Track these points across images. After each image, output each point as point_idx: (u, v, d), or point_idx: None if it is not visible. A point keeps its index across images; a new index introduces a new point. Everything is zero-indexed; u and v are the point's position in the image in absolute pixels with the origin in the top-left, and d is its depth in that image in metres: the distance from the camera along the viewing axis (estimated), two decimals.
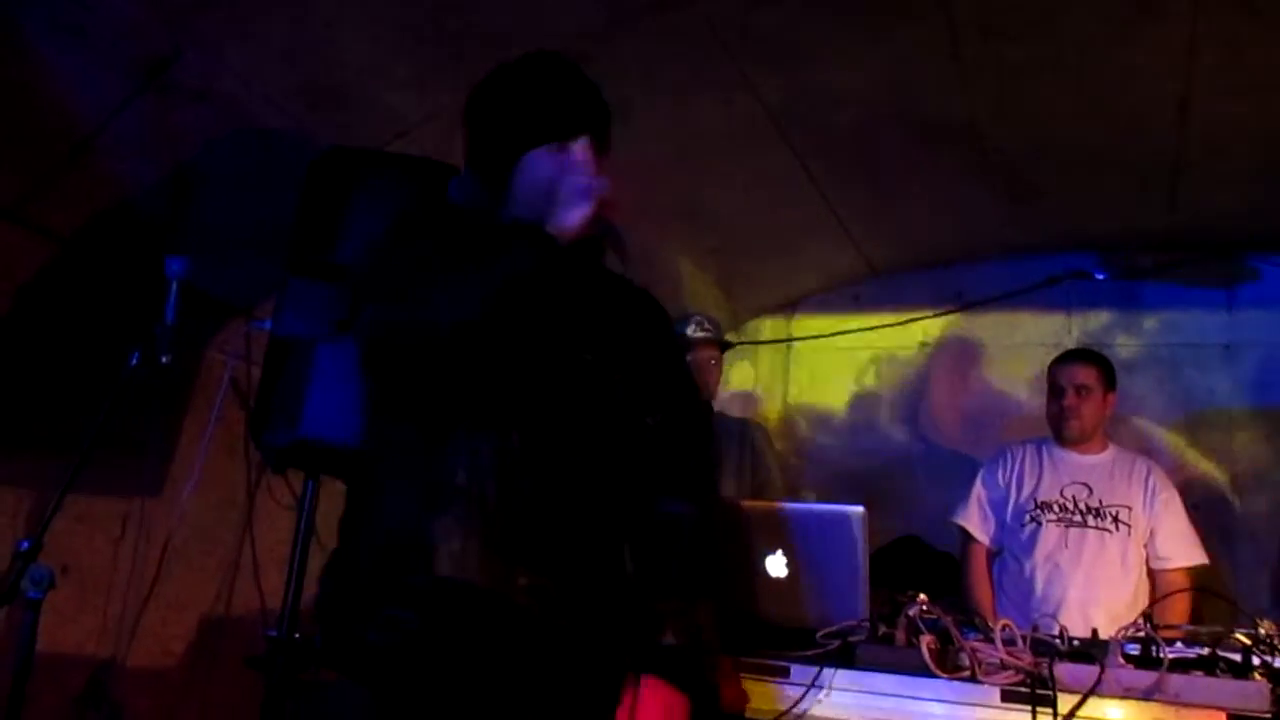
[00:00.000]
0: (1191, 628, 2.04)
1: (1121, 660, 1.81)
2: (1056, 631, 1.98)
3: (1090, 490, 3.34)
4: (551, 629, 1.59)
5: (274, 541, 3.12)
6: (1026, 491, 3.40)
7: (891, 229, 4.28)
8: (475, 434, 1.62)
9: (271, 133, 2.79)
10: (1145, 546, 3.30)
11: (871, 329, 4.67)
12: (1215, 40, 2.85)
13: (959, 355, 4.50)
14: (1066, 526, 3.31)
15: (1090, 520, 3.31)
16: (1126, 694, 1.73)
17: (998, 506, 3.46)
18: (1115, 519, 3.30)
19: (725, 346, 3.86)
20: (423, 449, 1.63)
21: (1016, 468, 3.46)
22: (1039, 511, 3.35)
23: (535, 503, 1.62)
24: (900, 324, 4.62)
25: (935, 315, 4.58)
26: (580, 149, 1.73)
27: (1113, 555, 3.28)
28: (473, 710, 1.59)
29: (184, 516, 3.08)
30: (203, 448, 3.09)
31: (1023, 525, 3.37)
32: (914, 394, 4.60)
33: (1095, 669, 1.74)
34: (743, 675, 1.94)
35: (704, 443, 1.88)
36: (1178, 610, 3.12)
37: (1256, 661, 1.79)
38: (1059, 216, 4.13)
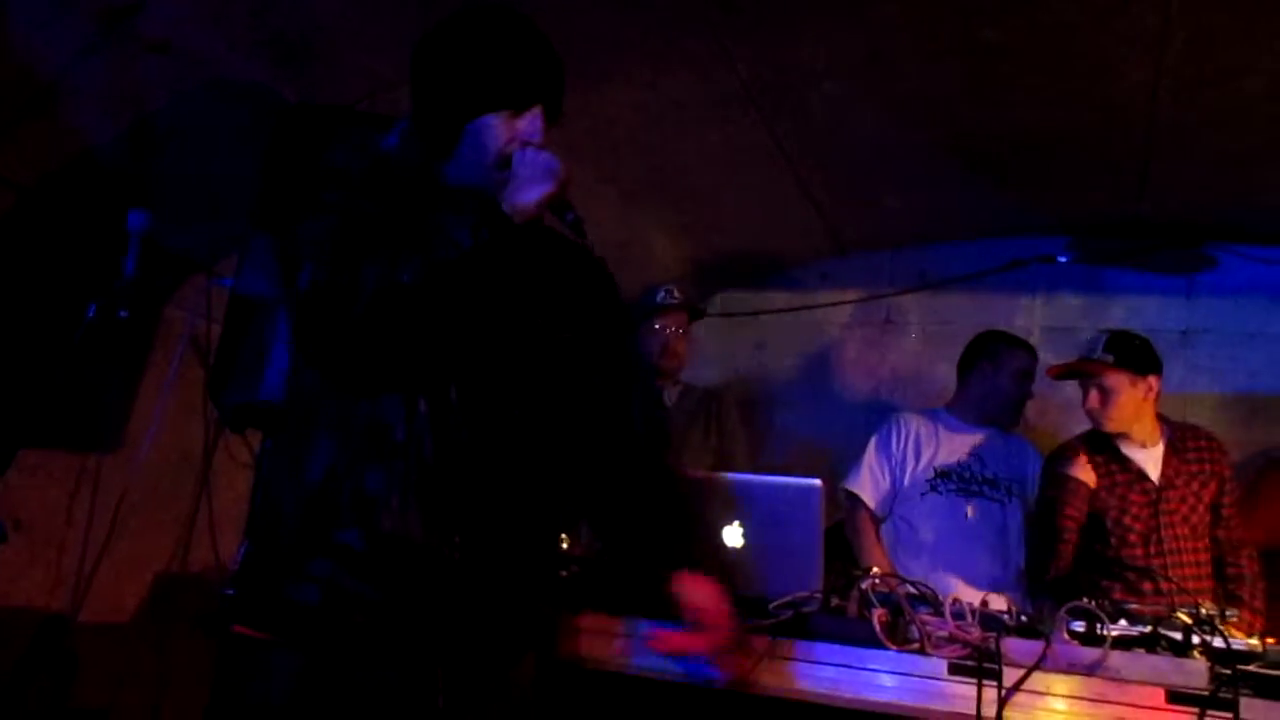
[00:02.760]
0: (1135, 606, 2.08)
1: (1066, 636, 1.84)
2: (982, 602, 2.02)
3: (984, 462, 3.42)
4: (484, 587, 1.61)
5: (231, 500, 3.10)
6: (925, 461, 3.45)
7: (861, 208, 4.29)
8: (412, 389, 1.60)
9: (237, 85, 2.75)
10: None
11: (837, 304, 4.70)
12: (1186, 30, 2.87)
13: (923, 334, 4.53)
14: (966, 497, 3.37)
15: (988, 490, 3.39)
16: (1070, 669, 1.76)
17: (894, 474, 3.50)
18: (1009, 491, 3.38)
19: (695, 315, 3.88)
20: (357, 404, 1.60)
21: (912, 437, 3.51)
22: (938, 480, 3.41)
23: (473, 458, 1.61)
24: (866, 301, 4.65)
25: (901, 293, 4.62)
26: (532, 119, 1.68)
27: (1008, 526, 3.38)
28: (405, 667, 1.58)
29: (140, 473, 3.05)
30: (160, 404, 3.06)
31: (922, 494, 3.42)
32: (876, 371, 4.63)
33: (1040, 644, 1.78)
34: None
35: (641, 398, 1.92)
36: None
37: (1196, 640, 1.83)
38: (1027, 200, 4.16)
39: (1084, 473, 3.17)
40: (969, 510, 3.36)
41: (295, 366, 1.72)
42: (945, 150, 3.73)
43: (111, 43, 2.54)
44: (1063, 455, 3.27)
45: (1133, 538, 3.14)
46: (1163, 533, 3.14)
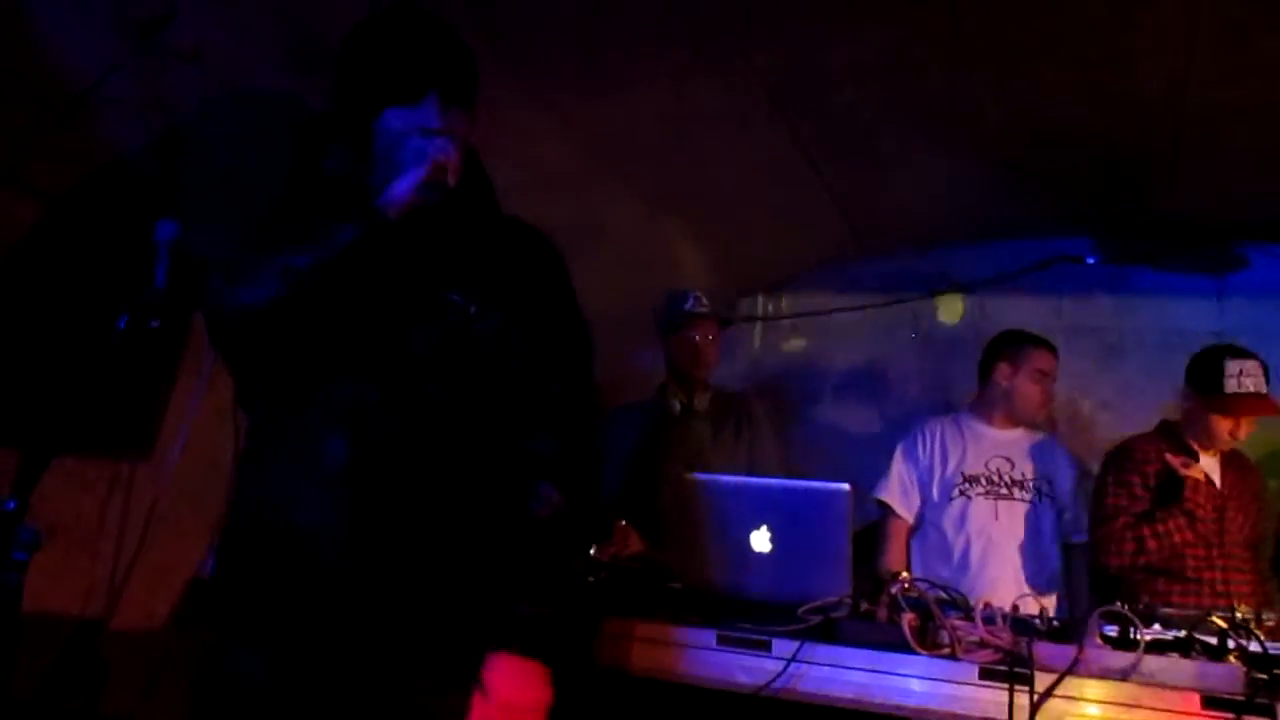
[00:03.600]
0: (1169, 610, 2.06)
1: (1099, 641, 1.83)
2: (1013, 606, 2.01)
3: (1012, 463, 3.39)
4: (404, 592, 1.61)
5: None
6: (952, 465, 3.44)
7: (886, 210, 4.28)
8: (327, 385, 1.64)
9: (265, 95, 2.77)
10: (1060, 519, 3.40)
11: (862, 308, 4.68)
12: (1215, 25, 2.84)
13: (949, 336, 4.51)
14: (996, 499, 3.36)
15: (1017, 493, 3.36)
16: (1103, 674, 1.75)
17: (921, 481, 3.49)
18: (1040, 492, 3.36)
19: (724, 323, 3.86)
20: (280, 407, 1.67)
21: (938, 442, 3.49)
22: (967, 484, 3.39)
23: (390, 447, 1.63)
24: (891, 304, 4.63)
25: (926, 296, 4.59)
26: (428, 106, 1.68)
27: (1039, 527, 3.36)
28: (332, 669, 1.60)
29: (171, 480, 3.08)
30: (190, 411, 3.09)
31: (950, 499, 3.40)
32: (903, 374, 4.61)
33: (1073, 649, 1.76)
34: (725, 647, 1.96)
35: (579, 377, 1.85)
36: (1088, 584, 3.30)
37: (1232, 645, 1.81)
38: (1054, 200, 4.14)
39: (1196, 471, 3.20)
40: (998, 512, 3.34)
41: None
42: (971, 152, 3.71)
43: (141, 53, 2.57)
44: (1158, 454, 3.25)
45: (1195, 540, 3.14)
46: (1225, 538, 3.17)
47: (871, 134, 3.59)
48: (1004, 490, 3.37)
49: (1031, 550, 3.34)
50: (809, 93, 3.31)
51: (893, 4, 2.86)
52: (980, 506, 3.36)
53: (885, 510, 3.51)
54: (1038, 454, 3.45)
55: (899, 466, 3.52)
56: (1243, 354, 3.23)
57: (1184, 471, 3.15)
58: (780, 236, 4.46)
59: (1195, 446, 3.25)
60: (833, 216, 4.25)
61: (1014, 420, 3.48)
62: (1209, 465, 3.24)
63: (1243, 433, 3.21)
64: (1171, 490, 3.15)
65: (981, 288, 4.48)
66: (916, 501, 3.49)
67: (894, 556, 3.43)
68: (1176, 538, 3.10)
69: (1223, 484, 3.22)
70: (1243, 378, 3.16)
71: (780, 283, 4.84)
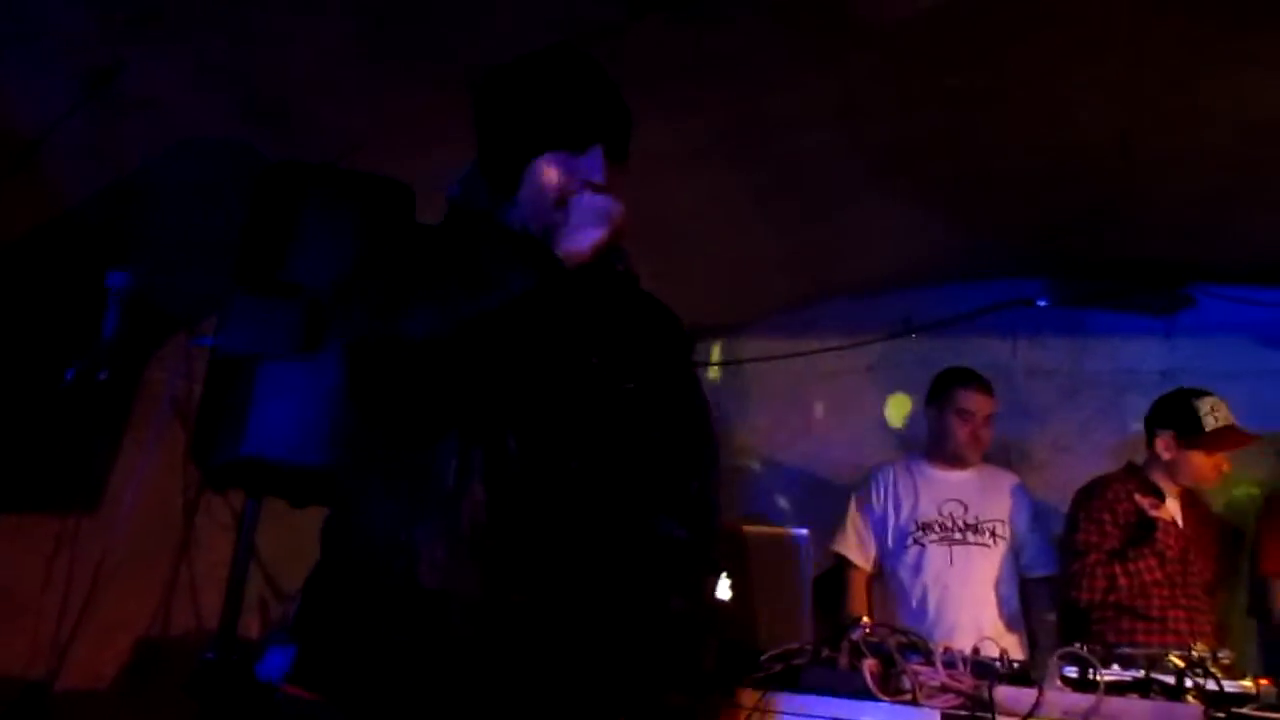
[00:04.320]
0: (1128, 650, 2.07)
1: (1059, 683, 1.83)
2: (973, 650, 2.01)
3: (965, 507, 3.41)
4: (537, 646, 1.50)
5: (213, 563, 3.05)
6: (905, 513, 3.46)
7: (841, 254, 4.32)
8: (467, 438, 1.53)
9: (217, 145, 2.76)
10: (1016, 557, 3.43)
11: (818, 352, 4.71)
12: (1156, 73, 2.92)
13: (905, 379, 4.54)
14: (950, 545, 3.37)
15: (970, 536, 3.38)
16: (1065, 716, 1.74)
17: (877, 530, 3.50)
18: (993, 533, 3.39)
19: None
20: (411, 454, 1.54)
21: (891, 489, 3.52)
22: (921, 533, 3.41)
23: (528, 510, 1.53)
24: (847, 348, 4.66)
25: (885, 339, 4.63)
26: (592, 158, 1.64)
27: (995, 570, 3.38)
28: None
29: (120, 536, 3.01)
30: (141, 465, 3.02)
31: (905, 548, 3.42)
32: (861, 417, 4.63)
33: (1034, 692, 1.76)
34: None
35: (708, 464, 1.77)
36: (1054, 617, 3.37)
37: (1190, 684, 1.82)
38: (1005, 244, 4.20)
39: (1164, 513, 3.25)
40: (953, 558, 3.35)
41: (349, 425, 1.68)
42: (921, 196, 3.76)
43: (93, 103, 2.55)
44: (1128, 494, 3.29)
45: (1163, 580, 3.18)
46: (1188, 578, 3.22)
47: (822, 179, 3.64)
48: (958, 535, 3.38)
49: (989, 594, 3.35)
50: (759, 138, 3.34)
51: (836, 49, 2.91)
52: (935, 554, 3.37)
53: (843, 562, 3.52)
54: (991, 494, 3.47)
55: (853, 516, 3.55)
56: (1204, 393, 3.31)
57: (1154, 513, 3.20)
58: (738, 280, 4.48)
59: (1162, 488, 3.31)
60: (787, 261, 4.29)
61: (958, 461, 3.50)
62: (1172, 507, 3.29)
63: (1225, 467, 3.28)
64: (1144, 531, 3.21)
65: (938, 330, 4.53)
66: (873, 550, 3.50)
67: (855, 606, 3.43)
68: (1146, 577, 3.15)
69: (1185, 525, 3.28)
70: (1215, 413, 3.26)
71: (739, 326, 4.86)
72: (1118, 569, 3.15)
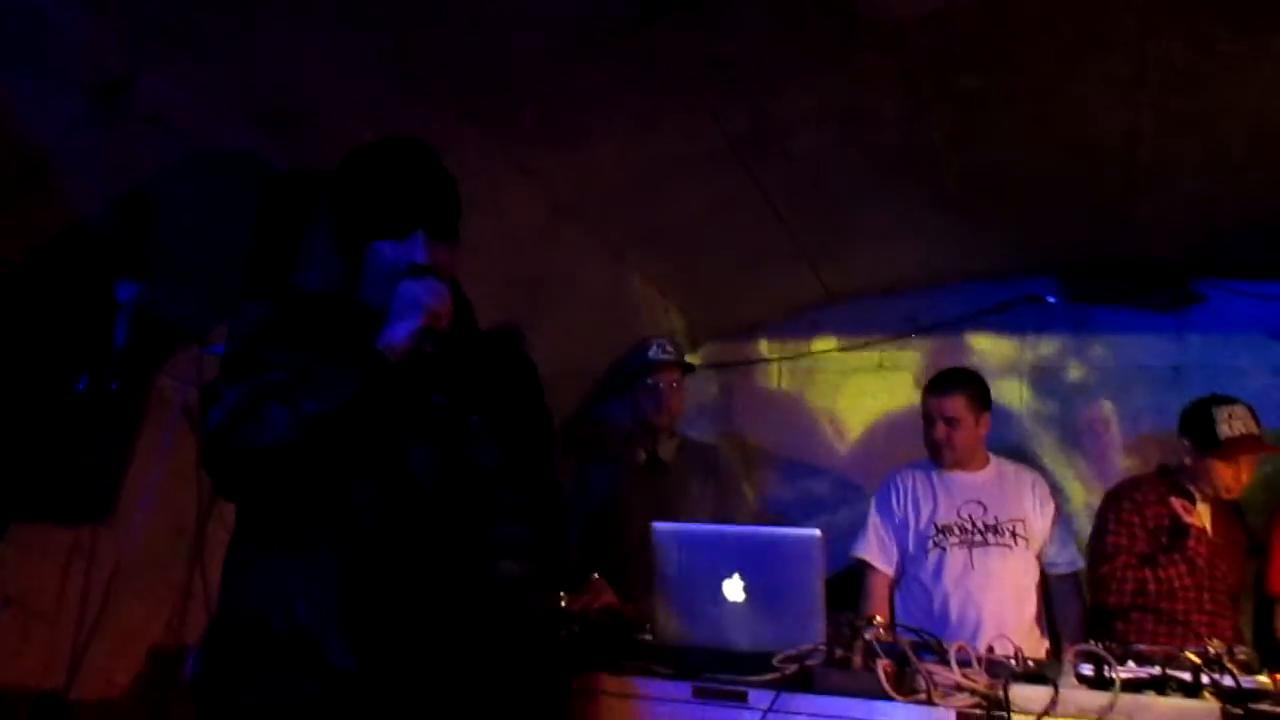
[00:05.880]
0: (1142, 647, 2.06)
1: (1075, 681, 1.82)
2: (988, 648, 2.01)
3: (984, 508, 3.40)
4: (410, 682, 1.73)
5: None
6: (925, 517, 3.44)
7: (849, 255, 4.32)
8: (328, 493, 1.75)
9: (227, 156, 2.77)
10: (1038, 555, 3.41)
11: (828, 352, 4.71)
12: (1162, 72, 2.91)
13: (915, 380, 4.54)
14: (969, 548, 3.35)
15: (991, 538, 3.36)
16: (1081, 714, 1.74)
17: (898, 534, 3.49)
18: (1013, 534, 3.36)
19: (687, 369, 3.87)
20: (279, 511, 1.78)
21: (910, 494, 3.49)
22: (941, 536, 3.39)
23: (389, 549, 1.75)
24: (857, 348, 4.66)
25: (891, 339, 4.63)
26: (413, 244, 1.83)
27: (1016, 570, 3.36)
28: None
29: (133, 545, 3.02)
30: (153, 475, 3.03)
31: (926, 552, 3.40)
32: (870, 418, 4.63)
33: (1049, 690, 1.76)
34: (701, 699, 1.94)
35: (546, 467, 2.06)
36: (1077, 612, 3.36)
37: (1206, 681, 1.81)
38: (1013, 243, 4.20)
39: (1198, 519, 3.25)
40: (973, 561, 3.33)
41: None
42: (929, 196, 3.77)
43: (103, 116, 2.56)
44: (1160, 498, 3.30)
45: (1191, 585, 3.19)
46: (1214, 584, 3.23)
47: (832, 180, 3.64)
48: (978, 538, 3.36)
49: (1010, 595, 3.34)
50: (768, 140, 3.35)
51: (845, 49, 2.91)
52: (955, 557, 3.35)
53: (865, 568, 3.51)
54: (1010, 493, 3.45)
55: (874, 521, 3.53)
56: (1228, 400, 3.29)
57: (1188, 519, 3.19)
58: (746, 282, 4.50)
59: (1194, 493, 3.31)
60: (798, 262, 4.30)
61: (974, 462, 3.49)
62: (1203, 513, 3.29)
63: (1245, 476, 3.26)
64: (1177, 537, 3.20)
65: (945, 329, 4.52)
66: (895, 554, 3.48)
67: (877, 612, 3.41)
68: (1176, 583, 3.15)
69: (1215, 532, 3.27)
70: (1233, 421, 3.24)
71: (748, 328, 4.86)
72: (1148, 574, 3.16)
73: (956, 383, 3.49)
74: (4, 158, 2.53)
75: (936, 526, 3.40)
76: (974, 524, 3.37)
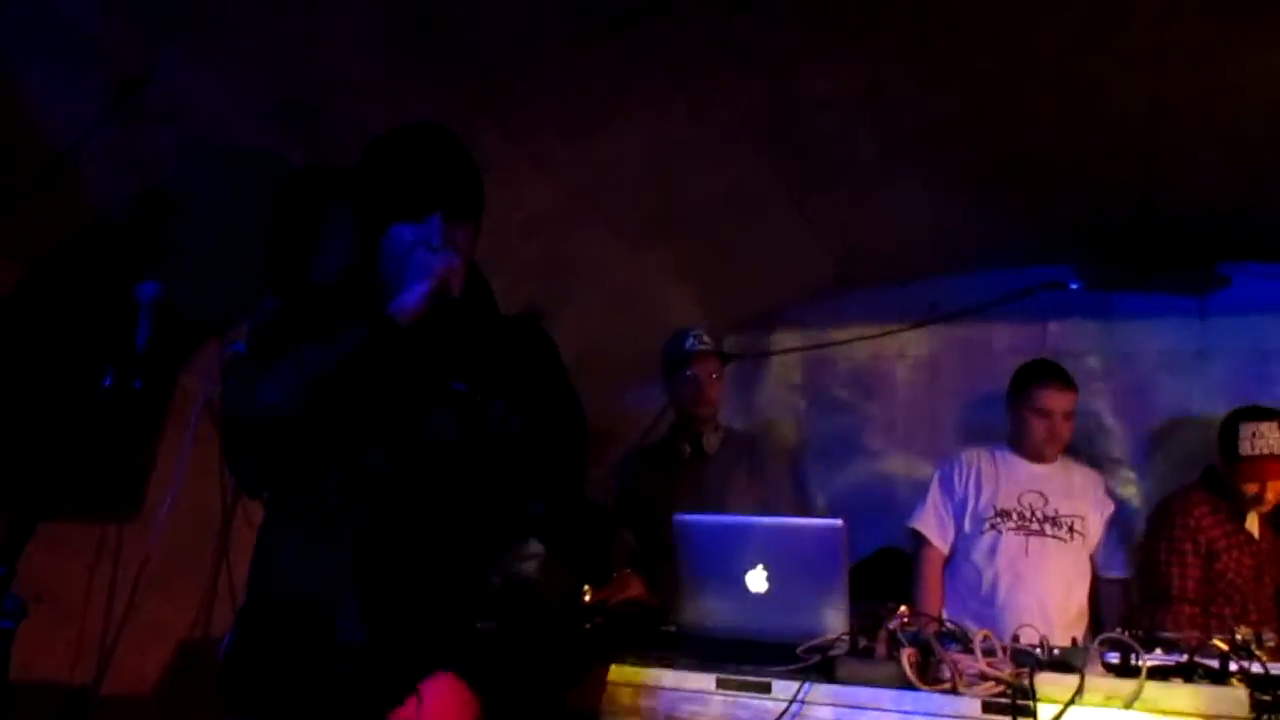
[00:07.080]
0: (1170, 634, 2.05)
1: (1101, 669, 1.81)
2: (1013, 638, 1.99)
3: (1045, 499, 3.38)
4: (417, 657, 1.75)
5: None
6: (985, 498, 3.43)
7: (867, 241, 4.29)
8: (346, 468, 1.79)
9: (246, 152, 2.77)
10: (1091, 555, 3.40)
11: (847, 342, 4.68)
12: (1184, 46, 2.87)
13: (935, 367, 4.52)
14: (1026, 535, 3.34)
15: (1048, 529, 3.35)
16: (1107, 702, 1.73)
17: (956, 512, 3.48)
18: (1070, 529, 3.35)
19: (725, 359, 3.84)
20: (297, 488, 1.82)
21: (973, 474, 3.49)
22: (999, 519, 3.39)
23: (404, 526, 1.78)
24: (877, 336, 4.64)
25: (911, 327, 4.60)
26: (430, 224, 1.84)
27: (1068, 564, 3.34)
28: None
29: (159, 541, 3.04)
30: (178, 472, 3.05)
31: (982, 532, 3.40)
32: (891, 406, 4.61)
33: (1075, 678, 1.75)
34: (725, 690, 1.94)
35: (570, 443, 2.02)
36: (1119, 615, 3.40)
37: (1234, 668, 1.80)
38: (1033, 226, 4.16)
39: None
40: (1028, 548, 3.33)
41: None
42: (949, 178, 3.73)
43: (122, 112, 2.57)
44: (1211, 518, 3.30)
45: (1237, 596, 3.20)
46: (1260, 591, 3.24)
47: (850, 162, 3.61)
48: (1035, 526, 3.36)
49: (1059, 587, 3.33)
50: (786, 122, 3.32)
51: (862, 28, 2.88)
52: (1011, 541, 3.35)
53: (919, 540, 3.51)
54: (1072, 490, 3.44)
55: (935, 496, 3.53)
56: (1259, 414, 3.25)
57: (1238, 535, 3.23)
58: (765, 270, 4.47)
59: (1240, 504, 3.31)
60: (817, 248, 4.27)
61: (1038, 457, 3.47)
62: (1251, 520, 3.26)
63: (1272, 496, 3.21)
64: (1229, 552, 3.23)
65: (966, 317, 4.49)
66: (951, 532, 3.48)
67: (929, 586, 3.43)
68: (1227, 610, 3.15)
69: (1261, 539, 3.24)
70: (1256, 439, 3.19)
71: (767, 317, 4.84)
72: (1212, 622, 3.12)
73: (1071, 380, 3.48)
74: (24, 156, 2.55)
75: (995, 509, 3.40)
76: (1033, 513, 3.37)
